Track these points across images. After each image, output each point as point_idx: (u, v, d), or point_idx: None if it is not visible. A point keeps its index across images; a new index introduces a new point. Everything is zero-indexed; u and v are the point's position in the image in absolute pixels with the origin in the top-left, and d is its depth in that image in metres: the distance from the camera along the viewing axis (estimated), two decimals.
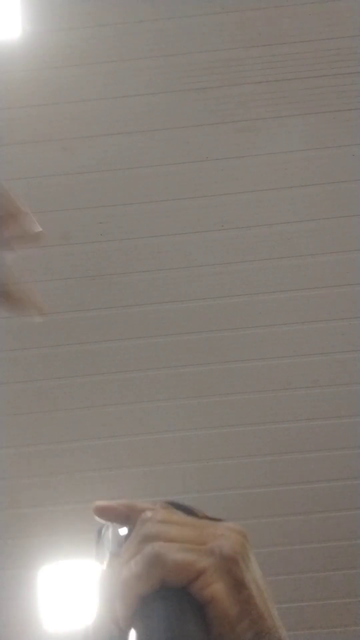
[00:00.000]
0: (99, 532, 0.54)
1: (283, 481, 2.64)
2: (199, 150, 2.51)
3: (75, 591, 2.60)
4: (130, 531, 0.43)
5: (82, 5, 2.47)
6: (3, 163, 2.52)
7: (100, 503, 0.46)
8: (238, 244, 2.55)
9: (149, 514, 0.41)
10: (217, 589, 0.37)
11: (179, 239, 2.54)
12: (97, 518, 0.46)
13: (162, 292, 2.56)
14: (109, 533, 0.52)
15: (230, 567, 0.38)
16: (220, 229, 2.53)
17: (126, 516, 0.44)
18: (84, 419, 2.60)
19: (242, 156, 2.52)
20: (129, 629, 0.37)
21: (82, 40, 2.48)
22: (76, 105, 2.50)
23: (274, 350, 2.58)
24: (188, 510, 0.52)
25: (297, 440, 2.62)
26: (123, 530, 0.49)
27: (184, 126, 2.51)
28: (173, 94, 2.50)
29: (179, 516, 0.43)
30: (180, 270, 2.55)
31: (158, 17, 2.47)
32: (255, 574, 0.40)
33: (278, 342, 2.58)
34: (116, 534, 0.49)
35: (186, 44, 2.48)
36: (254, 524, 2.65)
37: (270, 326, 2.57)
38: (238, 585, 0.38)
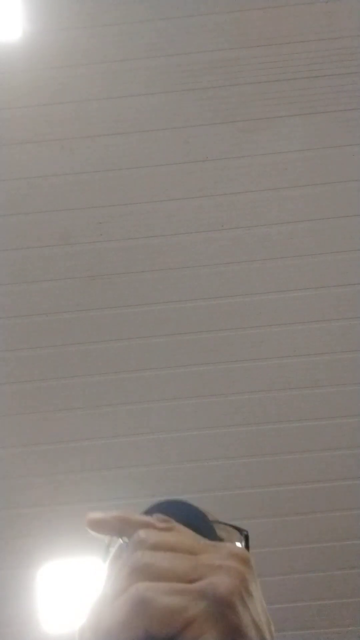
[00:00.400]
0: (107, 546, 0.51)
1: (283, 481, 2.64)
2: (199, 150, 2.51)
3: (75, 591, 2.60)
4: (120, 546, 0.40)
5: (82, 5, 2.47)
6: (3, 163, 2.52)
7: (93, 515, 0.42)
8: (238, 244, 2.55)
9: (142, 534, 0.38)
10: None
11: (179, 239, 2.54)
12: (90, 532, 0.42)
13: (162, 292, 2.56)
14: (114, 547, 0.48)
15: (225, 611, 0.34)
16: (220, 229, 2.53)
17: (120, 530, 0.41)
18: (84, 419, 2.60)
19: (242, 156, 2.52)
20: None
21: (82, 40, 2.48)
22: (76, 105, 2.50)
23: (274, 350, 2.58)
24: (192, 515, 0.48)
25: (297, 440, 2.62)
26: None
27: (184, 126, 2.51)
28: (173, 94, 2.50)
29: (176, 537, 0.38)
30: (180, 270, 2.55)
31: (158, 17, 2.47)
32: (255, 611, 0.36)
33: (278, 342, 2.58)
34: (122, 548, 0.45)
35: (186, 44, 2.48)
36: (254, 524, 2.65)
37: (270, 326, 2.57)
38: (234, 632, 0.34)
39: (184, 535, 0.39)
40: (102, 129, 2.51)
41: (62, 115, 2.50)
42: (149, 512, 0.51)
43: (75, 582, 2.60)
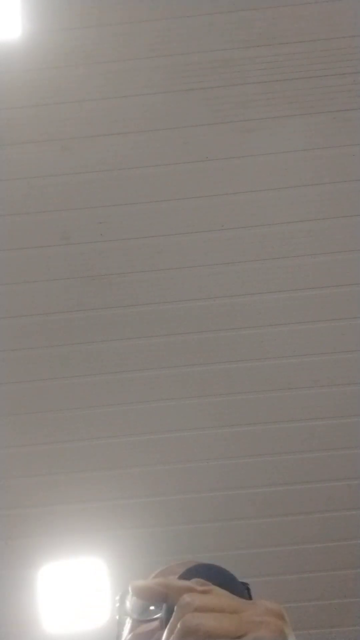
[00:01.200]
0: (122, 598, 0.57)
1: (283, 481, 2.64)
2: (199, 150, 2.51)
3: (76, 591, 2.60)
4: (166, 609, 0.44)
5: (82, 5, 2.47)
6: (3, 163, 2.52)
7: (138, 583, 0.47)
8: (238, 244, 2.54)
9: (187, 598, 0.42)
10: None
11: (179, 239, 2.54)
12: (135, 598, 0.47)
13: (162, 292, 2.56)
14: (130, 600, 0.55)
15: None
16: (220, 229, 2.53)
17: (164, 596, 0.45)
18: (84, 419, 2.60)
19: (242, 156, 2.52)
20: None
21: (82, 40, 2.48)
22: (76, 105, 2.50)
23: (274, 350, 2.58)
24: (224, 577, 0.54)
25: (297, 440, 2.62)
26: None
27: (184, 126, 2.51)
28: (173, 94, 2.50)
29: (218, 599, 0.43)
30: (180, 270, 2.55)
31: (158, 17, 2.47)
32: None
33: (278, 342, 2.58)
34: (139, 602, 0.52)
35: (186, 44, 2.48)
36: (254, 524, 2.65)
37: (270, 326, 2.57)
38: None
39: (223, 596, 0.44)
40: (102, 129, 2.51)
41: (62, 115, 2.50)
42: (186, 576, 0.57)
43: (76, 583, 2.60)
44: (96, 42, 2.48)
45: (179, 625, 0.40)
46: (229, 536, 2.63)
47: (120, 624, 0.65)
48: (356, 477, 2.64)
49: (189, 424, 2.61)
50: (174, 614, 0.42)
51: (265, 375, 2.59)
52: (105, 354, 2.58)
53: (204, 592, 0.43)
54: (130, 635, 0.61)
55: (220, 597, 0.43)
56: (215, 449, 2.62)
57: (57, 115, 2.50)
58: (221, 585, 0.46)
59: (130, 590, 0.47)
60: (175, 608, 0.42)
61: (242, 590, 0.57)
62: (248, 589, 0.57)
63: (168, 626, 0.41)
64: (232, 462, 2.63)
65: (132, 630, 0.63)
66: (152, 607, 0.57)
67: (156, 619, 0.56)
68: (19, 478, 2.62)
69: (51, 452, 2.61)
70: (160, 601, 0.45)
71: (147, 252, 2.54)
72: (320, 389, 2.60)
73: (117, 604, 0.62)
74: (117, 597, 0.62)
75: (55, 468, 2.62)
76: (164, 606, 0.45)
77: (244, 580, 0.58)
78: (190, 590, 0.43)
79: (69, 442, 2.61)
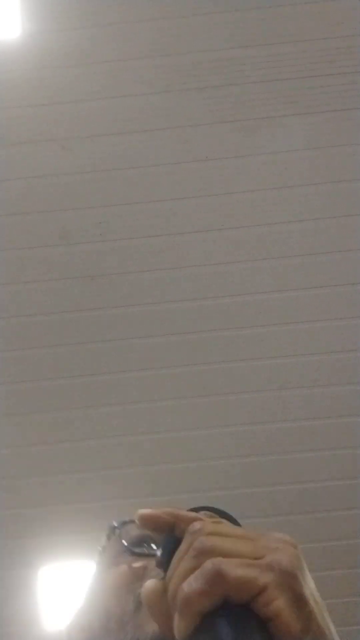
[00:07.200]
0: (112, 530, 0.58)
1: (283, 481, 2.64)
2: (199, 150, 2.51)
3: (75, 591, 2.60)
4: (169, 541, 0.42)
5: (82, 5, 2.47)
6: (3, 163, 2.52)
7: (145, 511, 0.44)
8: (238, 244, 2.55)
9: (197, 525, 0.40)
10: (280, 605, 0.37)
11: (179, 239, 2.54)
12: (141, 526, 0.45)
13: (162, 292, 2.56)
14: (124, 532, 0.55)
15: (291, 582, 0.38)
16: (220, 229, 2.53)
17: (172, 525, 0.43)
18: (84, 419, 2.60)
19: (242, 156, 2.52)
20: None
21: (82, 40, 2.48)
22: (76, 105, 2.50)
23: (274, 350, 2.58)
24: (231, 519, 0.51)
25: (297, 440, 2.62)
26: (135, 531, 0.54)
27: (184, 126, 2.51)
28: (173, 94, 2.50)
29: (228, 527, 0.42)
30: (180, 270, 2.55)
31: (158, 17, 2.47)
32: (312, 588, 0.41)
33: (278, 342, 2.58)
34: (132, 534, 0.53)
35: (186, 44, 2.48)
36: (254, 523, 2.65)
37: (270, 326, 2.57)
38: (299, 601, 0.38)
39: (234, 527, 0.43)
40: (102, 129, 2.51)
41: (62, 115, 2.50)
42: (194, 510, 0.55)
43: (76, 582, 2.60)
44: (95, 42, 2.48)
45: (191, 548, 0.39)
46: None
47: (102, 554, 0.63)
48: (356, 477, 2.64)
49: (189, 424, 2.61)
50: (183, 540, 0.40)
51: (265, 375, 2.59)
52: (105, 354, 2.58)
53: (213, 523, 0.42)
54: (118, 568, 0.60)
55: (232, 526, 0.43)
56: (215, 449, 2.62)
57: (57, 115, 2.50)
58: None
59: (134, 518, 0.45)
60: (186, 535, 0.40)
61: None
62: None
63: (177, 554, 0.40)
64: (232, 462, 2.63)
65: (115, 563, 0.61)
66: (145, 545, 0.57)
67: (150, 555, 0.55)
68: (19, 478, 2.63)
69: (51, 452, 2.61)
70: (167, 531, 0.43)
71: (147, 252, 2.55)
72: (320, 389, 2.60)
73: (109, 533, 0.60)
74: (111, 526, 0.60)
75: (55, 468, 2.62)
76: (162, 544, 0.43)
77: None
78: (199, 520, 0.42)
79: (69, 442, 2.61)
